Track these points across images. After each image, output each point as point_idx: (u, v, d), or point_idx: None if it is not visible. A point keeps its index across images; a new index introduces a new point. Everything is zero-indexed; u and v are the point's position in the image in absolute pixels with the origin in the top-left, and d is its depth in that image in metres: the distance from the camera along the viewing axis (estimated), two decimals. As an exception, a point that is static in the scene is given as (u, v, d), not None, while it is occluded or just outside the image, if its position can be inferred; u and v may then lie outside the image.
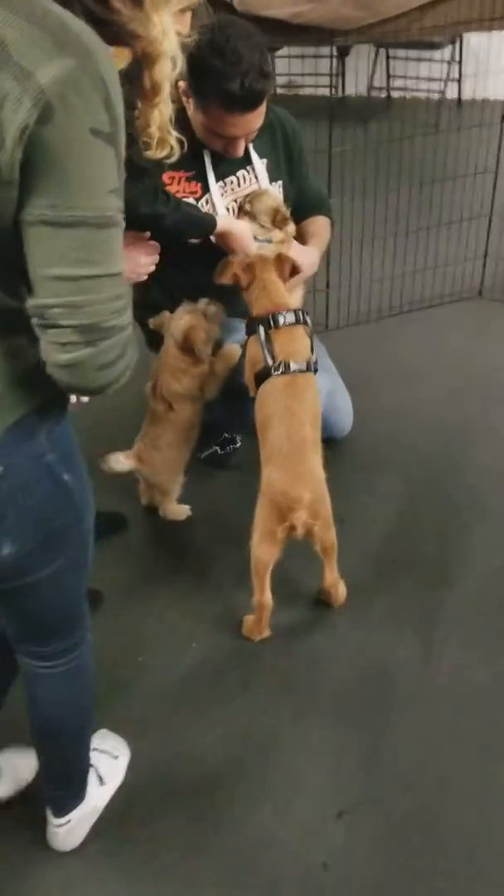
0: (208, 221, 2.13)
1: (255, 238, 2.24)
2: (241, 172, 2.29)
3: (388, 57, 5.89)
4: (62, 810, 1.61)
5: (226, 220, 2.18)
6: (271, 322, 2.04)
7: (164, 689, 1.95)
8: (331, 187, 3.13)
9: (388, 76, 5.96)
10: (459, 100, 5.84)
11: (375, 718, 1.87)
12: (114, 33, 1.18)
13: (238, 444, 2.67)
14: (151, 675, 1.98)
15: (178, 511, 2.43)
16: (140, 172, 1.77)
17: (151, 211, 1.94)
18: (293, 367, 2.01)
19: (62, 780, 1.61)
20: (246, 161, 2.28)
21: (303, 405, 1.99)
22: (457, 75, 5.73)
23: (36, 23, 0.87)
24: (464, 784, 1.74)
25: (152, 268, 2.03)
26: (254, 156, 2.29)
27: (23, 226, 0.94)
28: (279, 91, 6.22)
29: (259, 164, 2.31)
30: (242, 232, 2.19)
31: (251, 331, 2.10)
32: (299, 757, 1.80)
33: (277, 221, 2.24)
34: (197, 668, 2.00)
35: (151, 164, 1.77)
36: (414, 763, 1.78)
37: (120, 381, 1.05)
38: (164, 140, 1.72)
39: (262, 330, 2.04)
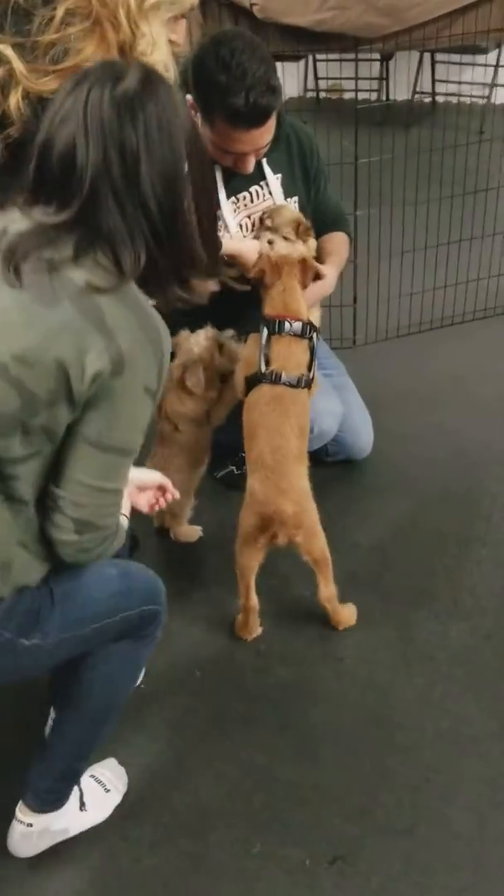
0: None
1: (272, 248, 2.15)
2: (254, 188, 2.24)
3: (433, 61, 5.77)
4: (36, 807, 1.58)
5: (232, 242, 2.12)
6: (276, 326, 2.00)
7: (165, 718, 1.92)
8: (357, 198, 3.06)
9: (434, 81, 5.85)
10: (506, 104, 5.71)
11: (374, 763, 1.81)
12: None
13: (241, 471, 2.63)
14: (152, 703, 1.95)
15: (190, 533, 2.40)
16: None
17: None
18: (284, 378, 1.97)
19: (60, 767, 1.57)
20: (259, 176, 2.23)
21: (288, 420, 1.96)
22: (502, 80, 5.59)
23: (127, 305, 1.17)
24: (463, 833, 1.67)
25: None
26: (267, 171, 2.24)
27: (72, 437, 1.20)
28: (322, 95, 6.16)
29: (273, 179, 2.25)
30: (251, 252, 2.12)
31: (257, 329, 2.06)
32: (293, 799, 1.75)
33: (301, 233, 2.18)
34: (198, 699, 1.96)
35: None
36: (411, 811, 1.72)
37: (92, 561, 1.32)
38: None
39: (265, 332, 2.00)
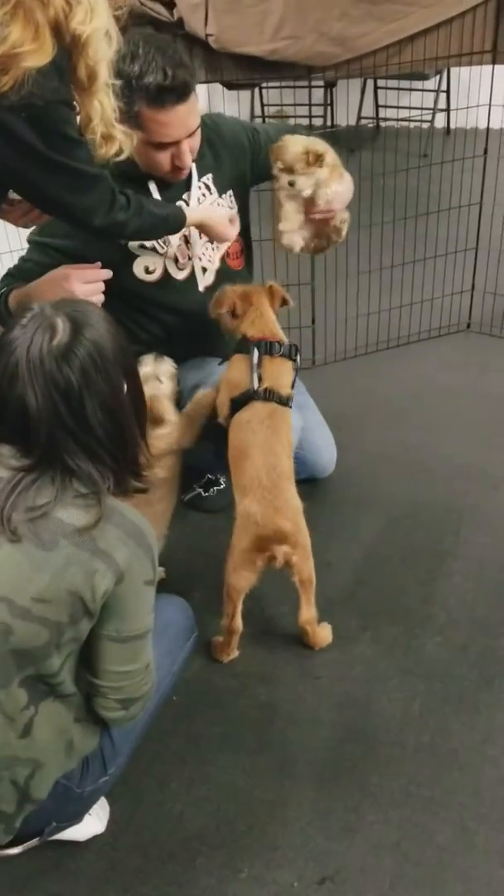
0: (176, 218, 2.01)
1: (297, 189, 2.17)
2: (185, 195, 2.23)
3: (376, 87, 5.91)
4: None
5: (197, 212, 2.11)
6: (268, 347, 2.04)
7: (145, 744, 1.88)
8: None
9: (377, 106, 5.98)
10: (448, 129, 5.85)
11: (356, 780, 1.82)
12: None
13: (223, 486, 2.63)
14: (130, 731, 1.93)
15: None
16: (91, 180, 1.67)
17: (108, 220, 1.78)
18: (277, 396, 2.02)
19: None
20: (189, 183, 2.22)
21: (279, 438, 1.98)
22: (444, 105, 5.74)
23: (111, 523, 1.29)
24: (448, 846, 1.68)
25: (99, 291, 1.96)
26: (195, 176, 2.22)
27: (94, 636, 1.36)
28: (269, 120, 6.24)
29: (200, 182, 2.24)
30: (219, 219, 2.11)
31: (239, 351, 2.08)
32: (278, 820, 1.75)
33: (312, 163, 2.15)
34: (177, 723, 1.94)
35: (101, 168, 1.69)
36: (397, 826, 1.72)
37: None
38: (110, 136, 1.62)
39: (255, 353, 2.03)
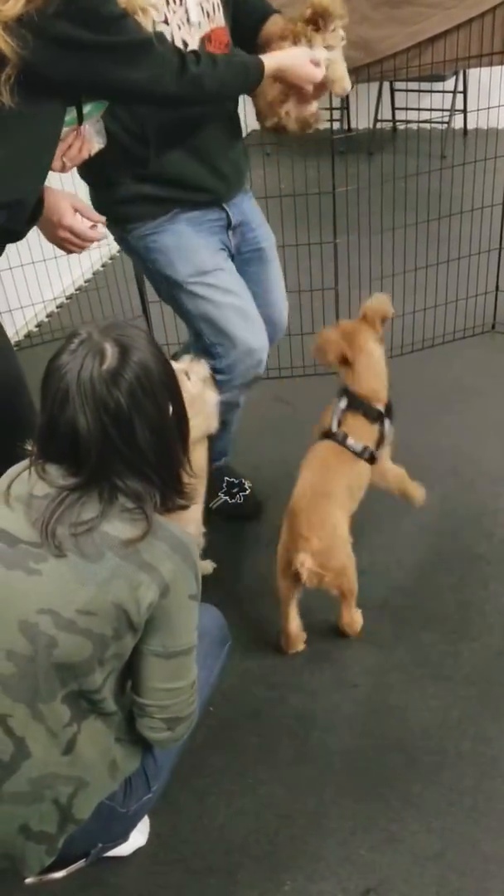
0: (255, 65, 1.87)
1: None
2: None
3: (392, 90, 5.90)
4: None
5: (272, 57, 1.93)
6: (357, 404, 2.10)
7: (182, 757, 1.88)
8: (336, 224, 3.10)
9: (393, 108, 5.96)
10: (465, 130, 5.83)
11: (397, 789, 1.80)
12: None
13: (248, 490, 2.62)
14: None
15: (204, 567, 2.37)
16: (149, 46, 1.62)
17: (184, 81, 1.69)
18: (349, 442, 2.08)
19: None
20: None
21: (340, 478, 2.04)
22: (461, 106, 5.72)
23: (156, 536, 1.30)
24: (493, 855, 1.66)
25: (91, 236, 1.94)
26: None
27: (139, 653, 1.35)
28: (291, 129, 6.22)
29: None
30: (299, 59, 1.95)
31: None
32: (319, 831, 1.74)
33: (319, 20, 2.00)
34: (214, 735, 1.94)
35: (149, 35, 1.64)
36: (440, 835, 1.71)
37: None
38: (144, 8, 1.62)
39: (344, 401, 2.09)
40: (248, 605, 2.27)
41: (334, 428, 2.10)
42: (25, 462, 1.38)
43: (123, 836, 1.59)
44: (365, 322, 2.17)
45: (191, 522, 2.12)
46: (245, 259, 2.36)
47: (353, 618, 2.10)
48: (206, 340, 2.24)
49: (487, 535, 2.43)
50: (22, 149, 1.62)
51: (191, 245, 2.17)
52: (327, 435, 2.11)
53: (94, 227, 1.96)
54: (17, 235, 1.75)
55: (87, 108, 1.75)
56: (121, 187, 2.10)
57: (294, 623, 2.08)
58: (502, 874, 1.63)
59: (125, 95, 1.75)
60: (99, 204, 2.16)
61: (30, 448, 1.38)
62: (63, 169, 1.85)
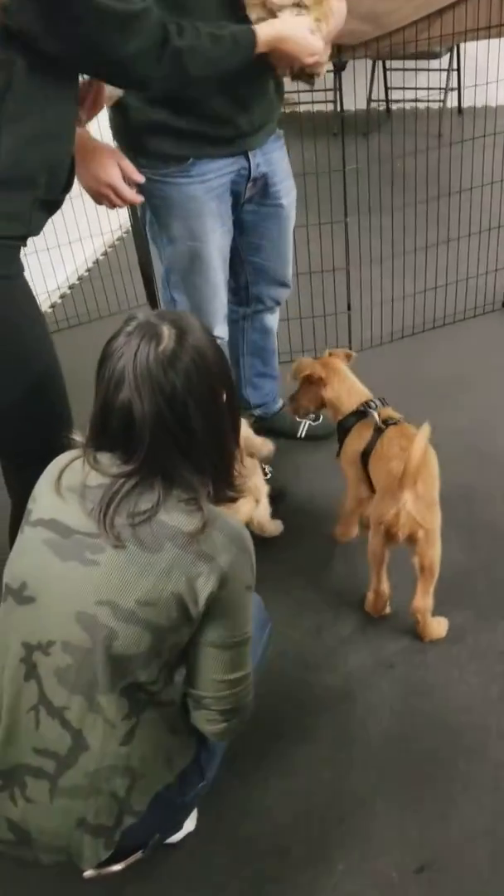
0: (245, 37, 1.78)
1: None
2: None
3: (385, 69, 5.86)
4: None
5: (268, 26, 1.82)
6: (376, 405, 2.19)
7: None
8: (347, 206, 3.07)
9: (387, 88, 5.93)
10: (460, 108, 5.80)
11: (443, 767, 1.80)
12: None
13: (268, 475, 2.62)
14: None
15: (274, 528, 2.40)
16: (133, 17, 1.52)
17: (168, 55, 1.59)
18: (396, 416, 2.16)
19: None
20: None
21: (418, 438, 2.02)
22: (455, 84, 5.69)
23: (214, 527, 1.28)
24: (546, 830, 1.66)
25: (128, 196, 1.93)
26: None
27: (195, 645, 1.34)
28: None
29: None
30: (297, 31, 1.85)
31: (345, 428, 2.22)
32: (368, 811, 1.73)
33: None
34: (254, 717, 1.91)
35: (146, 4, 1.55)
36: (491, 811, 1.70)
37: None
38: None
39: (375, 414, 2.16)
40: (280, 585, 2.26)
41: (378, 422, 2.14)
42: (74, 452, 1.36)
43: (179, 826, 1.59)
44: (341, 357, 2.36)
45: (240, 515, 2.13)
46: (260, 213, 2.33)
47: (427, 606, 2.01)
48: (164, 291, 2.29)
49: (514, 513, 2.43)
50: (48, 119, 1.58)
51: (193, 210, 2.13)
52: (374, 441, 2.12)
53: (134, 190, 1.95)
54: (56, 205, 1.72)
55: None
56: (136, 112, 2.02)
57: (385, 584, 2.08)
58: None
59: (108, 69, 1.64)
60: (117, 129, 2.11)
61: (77, 438, 1.36)
62: (80, 123, 1.80)
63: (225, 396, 1.34)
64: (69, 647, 1.29)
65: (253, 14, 1.91)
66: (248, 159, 2.16)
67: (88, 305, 3.77)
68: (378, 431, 2.12)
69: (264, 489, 2.29)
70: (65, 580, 1.28)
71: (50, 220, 1.77)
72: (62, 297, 4.00)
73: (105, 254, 4.35)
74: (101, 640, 1.26)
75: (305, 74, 2.09)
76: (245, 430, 2.15)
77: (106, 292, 3.78)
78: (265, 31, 1.82)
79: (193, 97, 1.96)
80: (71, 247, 3.75)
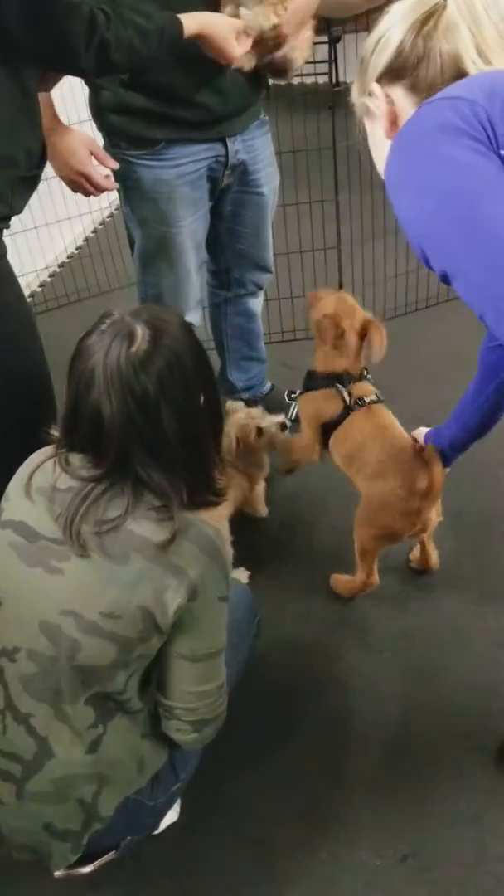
0: (171, 29, 1.68)
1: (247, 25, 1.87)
2: None
3: (380, 41, 5.75)
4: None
5: (191, 19, 1.72)
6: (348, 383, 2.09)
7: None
8: (337, 183, 3.02)
9: (383, 60, 5.82)
10: (457, 79, 5.71)
11: (429, 753, 1.79)
12: None
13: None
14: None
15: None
16: (69, 7, 1.45)
17: (95, 44, 1.52)
18: (370, 394, 2.08)
19: None
20: None
21: (393, 423, 2.04)
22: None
23: (184, 537, 1.23)
24: (532, 817, 1.65)
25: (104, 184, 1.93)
26: None
27: (166, 655, 1.30)
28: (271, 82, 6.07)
29: None
30: (217, 31, 1.76)
31: (314, 384, 2.13)
32: (351, 799, 1.72)
33: None
34: (241, 706, 1.89)
35: None
36: (475, 798, 1.69)
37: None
38: None
39: (344, 393, 2.08)
40: (267, 569, 2.24)
41: (347, 400, 2.09)
42: (47, 451, 1.32)
43: (153, 828, 1.56)
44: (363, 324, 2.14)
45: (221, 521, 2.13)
46: (240, 200, 2.29)
47: (433, 550, 2.17)
48: (137, 273, 2.27)
49: (505, 495, 2.41)
50: (12, 98, 1.55)
51: (164, 195, 2.08)
52: (342, 418, 2.09)
53: (107, 176, 1.93)
54: (35, 181, 1.69)
55: None
56: (105, 92, 1.99)
57: (376, 575, 2.08)
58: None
59: (41, 54, 1.55)
60: (92, 109, 2.07)
61: (54, 434, 1.32)
62: (43, 88, 1.76)
63: (203, 399, 1.29)
64: (34, 654, 1.26)
65: (227, 8, 1.87)
66: (225, 146, 2.11)
67: (78, 284, 3.73)
68: (347, 410, 2.07)
69: (265, 472, 2.29)
70: (29, 587, 1.25)
71: (38, 198, 1.74)
72: (52, 275, 3.95)
73: (95, 231, 4.29)
74: (64, 651, 1.23)
75: (275, 70, 2.05)
76: (259, 415, 2.13)
77: (95, 271, 3.73)
78: (189, 25, 1.72)
79: (164, 81, 1.92)
80: (59, 225, 3.69)
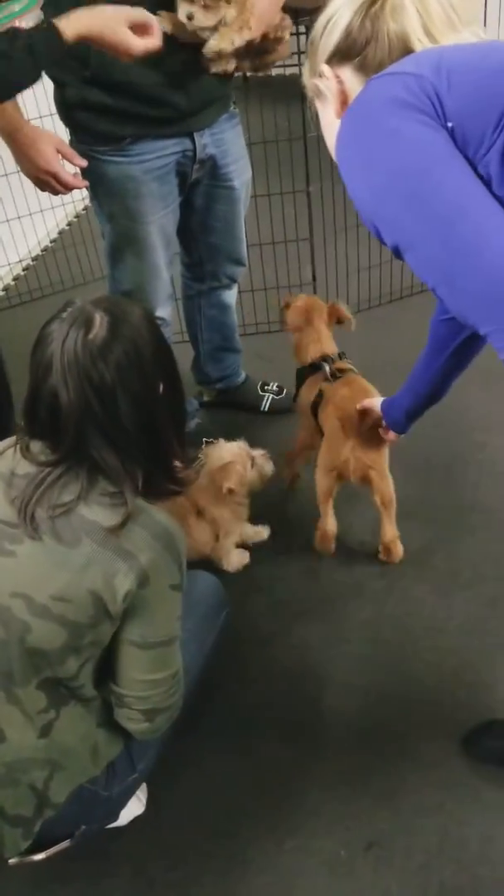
0: (44, 45, 1.54)
1: (194, 23, 1.83)
2: None
3: (357, 32, 5.74)
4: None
5: (75, 21, 1.57)
6: (330, 362, 2.26)
7: (173, 725, 1.86)
8: (308, 174, 3.01)
9: (360, 51, 5.82)
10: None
11: (395, 742, 1.79)
12: None
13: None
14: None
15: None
16: None
17: None
18: (347, 367, 2.25)
19: None
20: None
21: (373, 389, 2.18)
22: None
23: (137, 523, 1.24)
24: (493, 802, 1.66)
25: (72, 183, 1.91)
26: None
27: (117, 642, 1.30)
28: (249, 74, 6.04)
29: None
30: (106, 27, 1.62)
31: (302, 377, 2.32)
32: (318, 789, 1.72)
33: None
34: (205, 698, 1.90)
35: None
36: (439, 786, 1.70)
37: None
38: None
39: (326, 367, 2.24)
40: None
41: (328, 374, 2.24)
42: (12, 439, 1.33)
43: (110, 818, 1.55)
44: (328, 310, 2.37)
45: (231, 553, 2.18)
46: (211, 194, 2.28)
47: (396, 534, 2.16)
48: (107, 268, 2.27)
49: (473, 485, 2.41)
50: None
51: (131, 190, 2.07)
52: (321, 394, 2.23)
53: (76, 174, 1.92)
54: None
55: (16, 7, 1.59)
56: (68, 88, 1.97)
57: (331, 521, 2.17)
58: None
59: None
60: (57, 105, 2.05)
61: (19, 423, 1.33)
62: None
63: (163, 388, 1.29)
64: None
65: (182, 10, 1.86)
66: (193, 141, 2.10)
67: (52, 277, 3.71)
68: (327, 383, 2.20)
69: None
70: None
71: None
72: (25, 269, 3.92)
73: (69, 224, 4.27)
74: (15, 633, 1.23)
75: (262, 64, 2.05)
76: (240, 453, 2.13)
77: (69, 264, 3.72)
78: (71, 28, 1.57)
79: (126, 79, 1.90)
80: (32, 218, 3.67)
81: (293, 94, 2.90)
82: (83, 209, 4.32)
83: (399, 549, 2.17)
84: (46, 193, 2.00)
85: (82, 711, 1.35)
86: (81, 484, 1.24)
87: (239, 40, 1.92)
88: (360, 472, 2.05)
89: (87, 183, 2.00)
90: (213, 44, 1.90)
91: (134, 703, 1.34)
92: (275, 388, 2.83)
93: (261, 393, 2.81)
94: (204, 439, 2.61)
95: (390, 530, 2.15)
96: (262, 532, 2.29)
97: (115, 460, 1.25)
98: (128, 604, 1.25)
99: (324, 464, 2.11)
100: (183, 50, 1.92)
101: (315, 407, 2.22)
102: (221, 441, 2.15)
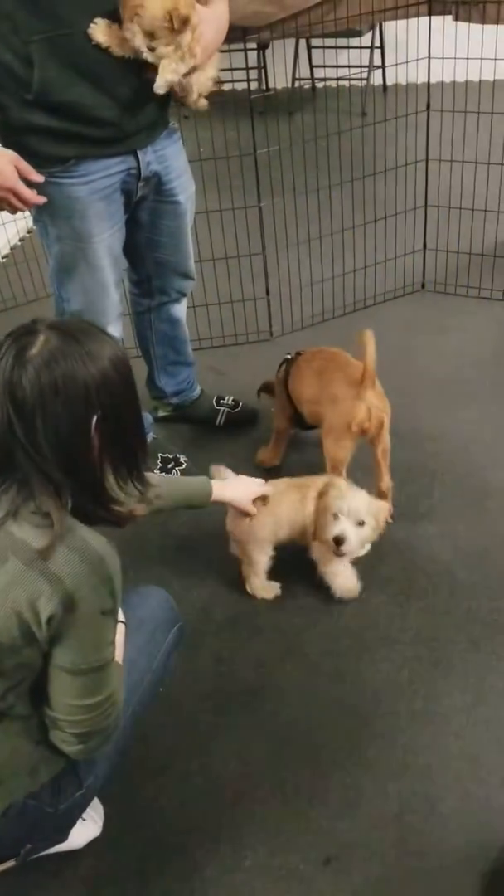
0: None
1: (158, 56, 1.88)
2: None
3: (309, 47, 5.81)
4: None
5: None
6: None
7: (136, 738, 1.84)
8: (259, 188, 3.04)
9: (311, 66, 5.88)
10: (384, 86, 5.78)
11: (353, 755, 1.80)
12: None
13: (184, 465, 2.59)
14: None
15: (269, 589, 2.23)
16: None
17: None
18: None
19: None
20: None
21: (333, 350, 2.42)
22: (379, 62, 5.67)
23: (66, 545, 1.22)
24: (449, 813, 1.67)
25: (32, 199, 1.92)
26: None
27: (49, 666, 1.28)
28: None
29: None
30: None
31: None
32: (277, 804, 1.72)
33: (178, 26, 1.84)
34: (165, 713, 1.90)
35: None
36: (397, 797, 1.71)
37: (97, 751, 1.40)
38: None
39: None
40: (193, 578, 2.24)
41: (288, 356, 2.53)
42: None
43: (59, 835, 1.52)
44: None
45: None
46: (157, 210, 2.28)
47: (390, 482, 2.33)
48: (53, 288, 2.26)
49: (427, 495, 2.44)
50: None
51: (78, 211, 2.06)
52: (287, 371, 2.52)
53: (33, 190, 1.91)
54: None
55: None
56: (10, 111, 1.95)
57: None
58: (462, 832, 1.64)
59: None
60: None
61: None
62: None
63: (96, 422, 1.25)
64: None
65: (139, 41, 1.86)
66: (137, 158, 2.10)
67: (4, 294, 3.68)
68: (288, 362, 2.49)
69: None
70: None
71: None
72: (-22, 285, 3.89)
73: (22, 240, 4.24)
74: None
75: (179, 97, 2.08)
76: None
77: (22, 280, 3.69)
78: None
79: (68, 100, 1.91)
80: (-16, 234, 3.65)
81: (246, 110, 2.95)
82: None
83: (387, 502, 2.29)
84: None
85: (18, 728, 1.33)
86: (11, 500, 1.23)
87: (183, 67, 1.93)
88: (378, 420, 2.22)
89: (44, 199, 1.98)
90: (162, 81, 1.92)
91: (67, 726, 1.31)
92: (230, 401, 2.83)
93: (216, 407, 2.81)
94: (159, 454, 2.62)
95: (387, 479, 2.32)
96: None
97: (42, 483, 1.23)
98: (53, 629, 1.22)
99: (341, 426, 2.22)
100: (127, 70, 1.93)
101: (285, 381, 2.48)
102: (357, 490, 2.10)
